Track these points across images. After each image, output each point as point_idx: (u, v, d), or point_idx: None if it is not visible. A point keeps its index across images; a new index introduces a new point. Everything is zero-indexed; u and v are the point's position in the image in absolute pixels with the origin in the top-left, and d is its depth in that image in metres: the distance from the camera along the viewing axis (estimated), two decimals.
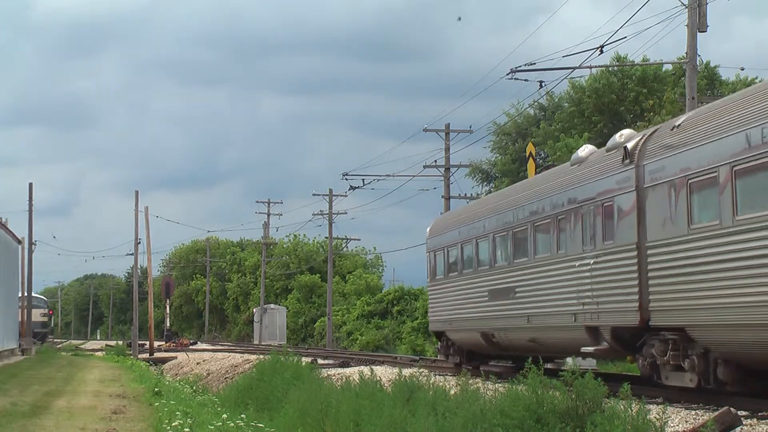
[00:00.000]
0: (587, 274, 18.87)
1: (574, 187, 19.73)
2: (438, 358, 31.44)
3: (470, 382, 15.71)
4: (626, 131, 18.86)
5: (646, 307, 16.75)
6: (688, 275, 15.48)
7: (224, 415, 17.25)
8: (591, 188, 18.92)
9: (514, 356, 25.73)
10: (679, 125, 16.47)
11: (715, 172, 14.77)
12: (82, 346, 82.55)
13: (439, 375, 23.46)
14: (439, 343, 29.38)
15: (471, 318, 25.39)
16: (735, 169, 14.30)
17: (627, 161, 17.56)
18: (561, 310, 19.88)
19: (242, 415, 17.87)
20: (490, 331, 24.21)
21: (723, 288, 14.54)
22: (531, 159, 35.46)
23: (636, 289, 16.93)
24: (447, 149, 46.56)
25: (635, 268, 17.02)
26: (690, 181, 15.52)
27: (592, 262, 18.75)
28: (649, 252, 16.68)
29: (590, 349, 18.89)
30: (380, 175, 51.80)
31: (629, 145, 17.57)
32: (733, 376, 15.27)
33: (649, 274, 16.63)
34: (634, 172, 17.28)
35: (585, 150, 20.48)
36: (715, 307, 14.80)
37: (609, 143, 18.95)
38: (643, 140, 17.41)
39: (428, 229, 30.18)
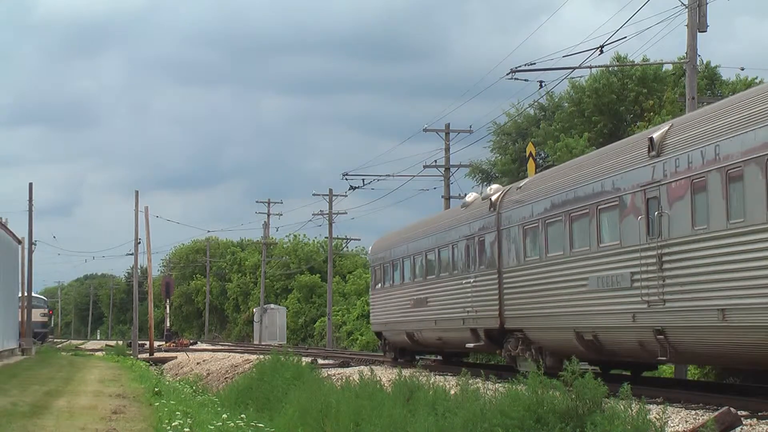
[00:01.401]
0: (470, 289, 25.63)
1: (462, 224, 26.80)
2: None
3: (470, 382, 15.70)
4: (495, 186, 25.88)
5: (503, 314, 23.58)
6: (523, 293, 22.53)
7: (224, 415, 17.45)
8: (472, 227, 25.89)
9: (440, 352, 33.03)
10: (521, 187, 23.65)
11: (537, 223, 21.72)
12: (82, 346, 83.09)
13: (439, 375, 23.49)
14: (380, 342, 36.22)
15: (399, 321, 32.22)
16: (546, 221, 21.25)
17: (491, 209, 24.47)
18: (455, 315, 26.77)
19: (242, 415, 18.12)
20: (412, 332, 31.02)
21: (539, 302, 21.53)
22: (531, 159, 35.82)
23: (497, 302, 23.81)
24: (447, 149, 47.07)
25: (496, 286, 23.89)
26: (525, 227, 22.43)
27: (472, 280, 25.45)
28: (504, 275, 23.62)
29: (472, 345, 25.83)
30: (380, 175, 52.49)
31: (493, 198, 24.52)
32: (557, 364, 20.73)
33: (504, 291, 23.54)
34: (495, 218, 24.20)
35: (471, 197, 27.77)
36: (537, 315, 21.78)
37: (483, 194, 25.96)
38: (502, 194, 24.39)
39: (371, 248, 37.32)
